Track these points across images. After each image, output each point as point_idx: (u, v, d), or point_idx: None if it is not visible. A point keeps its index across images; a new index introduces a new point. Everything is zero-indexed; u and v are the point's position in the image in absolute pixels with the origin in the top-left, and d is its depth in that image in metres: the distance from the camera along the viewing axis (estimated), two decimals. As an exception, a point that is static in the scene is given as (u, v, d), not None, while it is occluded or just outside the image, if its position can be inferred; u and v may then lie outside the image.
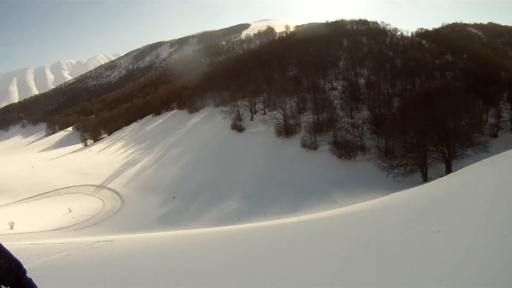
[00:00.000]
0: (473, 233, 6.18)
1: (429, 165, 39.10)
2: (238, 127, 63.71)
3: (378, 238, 7.75)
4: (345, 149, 48.61)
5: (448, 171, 35.85)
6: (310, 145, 51.71)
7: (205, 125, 73.35)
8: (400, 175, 38.55)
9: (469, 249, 5.33)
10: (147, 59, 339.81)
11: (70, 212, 48.22)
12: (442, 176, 28.51)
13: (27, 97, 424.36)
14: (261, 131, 58.83)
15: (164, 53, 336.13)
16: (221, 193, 42.36)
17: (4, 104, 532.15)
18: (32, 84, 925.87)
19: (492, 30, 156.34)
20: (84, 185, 60.94)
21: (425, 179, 37.38)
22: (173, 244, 14.11)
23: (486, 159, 18.76)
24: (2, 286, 1.73)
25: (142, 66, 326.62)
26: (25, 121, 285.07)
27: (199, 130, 71.79)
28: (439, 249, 5.71)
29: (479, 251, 5.11)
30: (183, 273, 7.20)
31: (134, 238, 19.32)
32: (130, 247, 13.74)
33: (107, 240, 15.80)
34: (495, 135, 52.40)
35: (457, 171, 21.57)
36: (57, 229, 41.23)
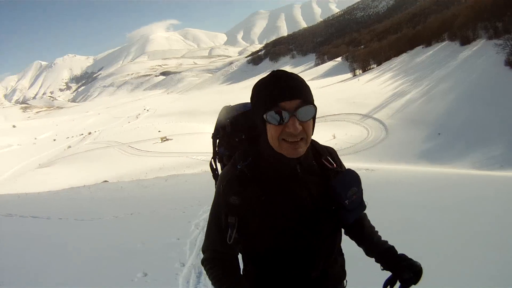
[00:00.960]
0: None
1: None
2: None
3: None
4: None
5: None
6: None
7: (477, 59, 67.23)
8: None
9: None
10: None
11: (334, 138, 50.93)
12: None
13: (295, 30, 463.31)
14: (538, 70, 49.75)
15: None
16: (487, 135, 38.62)
17: (273, 38, 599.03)
18: (299, 18, 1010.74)
19: None
20: (350, 113, 64.86)
21: None
22: (434, 181, 12.50)
23: None
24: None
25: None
26: (294, 52, 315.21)
27: (470, 64, 66.64)
28: None
29: None
30: (435, 211, 6.79)
31: (395, 169, 18.90)
32: (390, 178, 13.21)
33: (367, 169, 16.31)
34: None
35: None
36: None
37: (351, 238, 1.63)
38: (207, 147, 55.13)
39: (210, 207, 1.46)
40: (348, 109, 67.50)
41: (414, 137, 44.90)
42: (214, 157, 1.68)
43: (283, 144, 1.25)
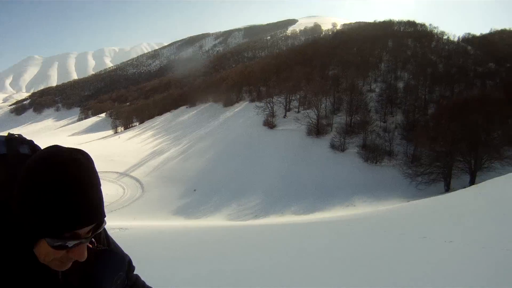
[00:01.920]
0: (483, 246, 6.34)
1: (454, 175, 38.50)
2: (270, 124, 62.97)
3: (379, 243, 7.98)
4: (373, 153, 47.52)
5: (472, 182, 35.29)
6: (339, 147, 50.78)
7: (238, 119, 72.86)
8: (423, 183, 37.89)
9: (478, 261, 5.59)
10: (190, 50, 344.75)
11: (88, 198, 47.53)
12: (464, 187, 27.72)
13: (65, 81, 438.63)
14: (292, 129, 58.02)
15: (208, 44, 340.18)
16: (243, 188, 41.93)
17: (42, 87, 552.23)
18: (72, 69, 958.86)
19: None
20: (108, 171, 61.30)
21: (447, 189, 36.42)
22: (182, 234, 14.73)
23: (512, 173, 18.02)
24: None
25: (184, 56, 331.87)
26: (59, 104, 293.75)
27: (230, 124, 71.64)
28: (447, 259, 5.92)
29: (485, 264, 5.36)
30: (184, 262, 7.64)
31: (148, 226, 19.96)
32: (143, 235, 14.10)
33: (121, 228, 16.19)
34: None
35: (481, 183, 20.93)
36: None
37: None
38: None
39: None
40: (106, 167, 63.27)
41: (170, 194, 45.00)
42: None
43: (54, 261, 0.94)
